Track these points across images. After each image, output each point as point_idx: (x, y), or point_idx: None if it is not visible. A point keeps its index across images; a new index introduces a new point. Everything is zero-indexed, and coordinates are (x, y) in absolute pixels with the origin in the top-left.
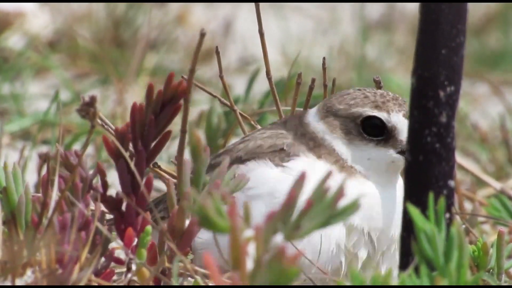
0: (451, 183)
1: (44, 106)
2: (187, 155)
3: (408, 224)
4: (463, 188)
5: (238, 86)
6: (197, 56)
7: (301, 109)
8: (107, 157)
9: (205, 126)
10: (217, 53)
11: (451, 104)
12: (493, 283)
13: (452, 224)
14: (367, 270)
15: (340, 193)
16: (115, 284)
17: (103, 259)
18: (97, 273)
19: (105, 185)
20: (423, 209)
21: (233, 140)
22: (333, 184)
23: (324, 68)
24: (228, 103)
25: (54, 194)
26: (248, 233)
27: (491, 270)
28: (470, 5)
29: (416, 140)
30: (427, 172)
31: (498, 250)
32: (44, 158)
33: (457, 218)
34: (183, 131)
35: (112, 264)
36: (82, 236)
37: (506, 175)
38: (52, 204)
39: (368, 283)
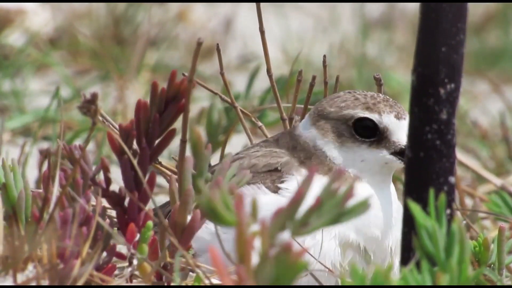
0: (452, 179)
1: (44, 102)
2: (187, 152)
3: (409, 220)
4: (463, 184)
5: (238, 83)
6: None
7: (302, 106)
8: (107, 153)
9: (206, 123)
10: (218, 50)
11: (452, 102)
12: (494, 279)
13: (453, 220)
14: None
15: (350, 192)
16: (116, 279)
17: (104, 254)
18: (98, 268)
19: (108, 181)
20: (424, 205)
21: (234, 137)
22: None
23: (324, 66)
24: (229, 100)
25: (55, 190)
26: (255, 227)
27: (492, 266)
28: (470, 4)
29: (416, 137)
30: (427, 169)
31: (499, 245)
32: (45, 154)
33: (458, 214)
34: (183, 141)
35: (114, 259)
36: (83, 231)
37: (507, 171)
38: (53, 200)
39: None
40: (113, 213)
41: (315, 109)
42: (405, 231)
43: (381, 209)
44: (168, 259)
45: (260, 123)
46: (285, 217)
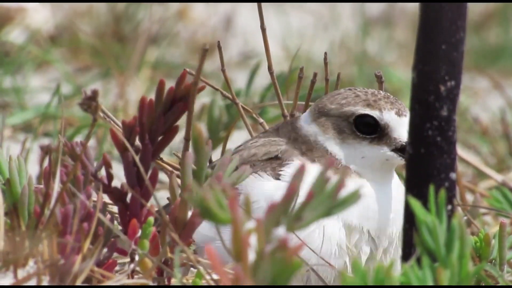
0: (453, 175)
1: (45, 99)
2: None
3: (409, 216)
4: (464, 180)
5: (239, 80)
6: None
7: (303, 103)
8: (108, 149)
9: (207, 119)
10: (219, 48)
11: (452, 98)
12: (495, 274)
13: (454, 216)
14: (371, 265)
15: (340, 184)
16: (117, 274)
17: (105, 249)
18: (99, 264)
19: (110, 177)
20: (425, 201)
21: (235, 133)
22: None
23: (326, 63)
24: (230, 96)
25: (56, 186)
26: (250, 225)
27: (493, 261)
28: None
29: (417, 134)
30: (428, 165)
31: (500, 241)
32: (46, 150)
33: (459, 209)
34: (186, 139)
35: (115, 254)
36: (84, 227)
37: (507, 167)
38: (54, 196)
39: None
40: (114, 208)
41: (315, 105)
42: (406, 227)
43: (379, 202)
44: (169, 255)
45: (261, 120)
46: (280, 212)
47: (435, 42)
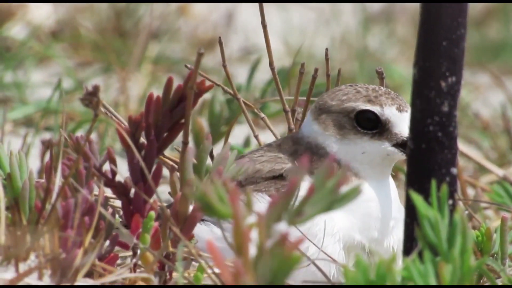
0: (454, 170)
1: (46, 94)
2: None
3: (411, 210)
4: (466, 175)
5: (239, 75)
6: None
7: (304, 98)
8: (110, 144)
9: (208, 114)
10: (220, 44)
11: (453, 94)
12: (497, 268)
13: (455, 210)
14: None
15: (342, 178)
16: (119, 268)
17: (107, 243)
18: (101, 258)
19: (113, 171)
20: (426, 196)
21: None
22: None
23: (327, 59)
24: (231, 92)
25: (58, 180)
26: (251, 219)
27: (495, 255)
28: None
29: (418, 129)
30: (429, 160)
31: (501, 235)
32: (47, 145)
33: (460, 204)
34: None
35: (117, 248)
36: (86, 221)
37: (508, 162)
38: (55, 190)
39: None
40: (116, 202)
41: (316, 104)
42: (407, 221)
43: (382, 210)
44: (171, 249)
45: (262, 114)
46: (281, 207)
47: (436, 39)
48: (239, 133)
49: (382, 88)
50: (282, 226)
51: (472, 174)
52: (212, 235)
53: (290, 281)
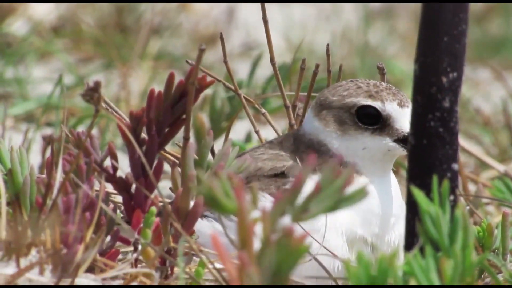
0: (455, 166)
1: (47, 90)
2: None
3: (412, 206)
4: (467, 171)
5: (240, 71)
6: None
7: (305, 94)
8: (111, 139)
9: (209, 110)
10: (222, 39)
11: (454, 90)
12: (498, 264)
13: (457, 206)
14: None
15: (349, 178)
16: (120, 263)
17: (108, 239)
18: (102, 253)
19: (115, 166)
20: (427, 191)
21: (237, 124)
22: None
23: (328, 55)
24: (232, 87)
25: (59, 175)
26: (255, 214)
27: (496, 251)
28: None
29: (419, 125)
30: (430, 156)
31: (502, 230)
32: (48, 140)
33: (461, 200)
34: (186, 138)
35: (118, 243)
36: (87, 217)
37: (509, 157)
38: (56, 186)
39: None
40: (117, 198)
41: (317, 100)
42: (409, 217)
43: (383, 207)
44: (172, 244)
45: (263, 110)
46: (286, 203)
47: (437, 34)
48: (240, 129)
49: (383, 83)
50: (286, 221)
51: (473, 170)
52: (214, 231)
53: (294, 277)
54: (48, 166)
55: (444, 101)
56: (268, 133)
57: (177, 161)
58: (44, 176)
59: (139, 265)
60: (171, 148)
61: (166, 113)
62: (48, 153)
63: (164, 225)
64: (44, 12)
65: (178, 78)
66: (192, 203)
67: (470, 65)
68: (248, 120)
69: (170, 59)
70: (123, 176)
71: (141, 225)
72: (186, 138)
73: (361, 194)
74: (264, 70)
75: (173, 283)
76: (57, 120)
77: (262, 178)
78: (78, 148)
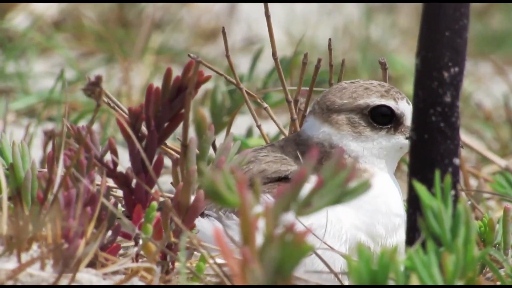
0: (456, 161)
1: (49, 84)
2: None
3: (413, 201)
4: (468, 166)
5: (242, 65)
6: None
7: (307, 88)
8: (112, 134)
9: (210, 104)
10: (224, 34)
11: (455, 85)
12: (500, 258)
13: (458, 201)
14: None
15: (352, 172)
16: (121, 258)
17: (109, 233)
18: (103, 248)
19: (115, 161)
20: (429, 186)
21: (238, 118)
22: None
23: (330, 49)
24: (234, 81)
25: (60, 170)
26: (258, 209)
27: (497, 246)
28: None
29: (421, 119)
30: (432, 151)
31: (504, 225)
32: (49, 135)
33: (463, 194)
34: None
35: (119, 238)
36: (88, 211)
37: (511, 152)
38: (57, 180)
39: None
40: (118, 192)
41: (321, 104)
42: (410, 211)
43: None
44: (173, 239)
45: (265, 104)
46: (289, 198)
47: (439, 29)
48: (241, 123)
49: (382, 82)
50: (289, 217)
51: (474, 165)
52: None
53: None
54: (49, 160)
55: (445, 95)
56: (269, 128)
57: (178, 156)
58: (45, 170)
59: (140, 260)
60: (172, 143)
61: (165, 108)
62: (49, 147)
63: (165, 220)
64: (45, 7)
65: (180, 72)
66: (192, 198)
67: (472, 60)
68: (250, 114)
69: (172, 54)
70: (124, 171)
71: (142, 220)
72: (184, 145)
73: (364, 187)
74: (265, 64)
75: (174, 278)
76: (59, 115)
77: (265, 181)
78: (78, 143)
